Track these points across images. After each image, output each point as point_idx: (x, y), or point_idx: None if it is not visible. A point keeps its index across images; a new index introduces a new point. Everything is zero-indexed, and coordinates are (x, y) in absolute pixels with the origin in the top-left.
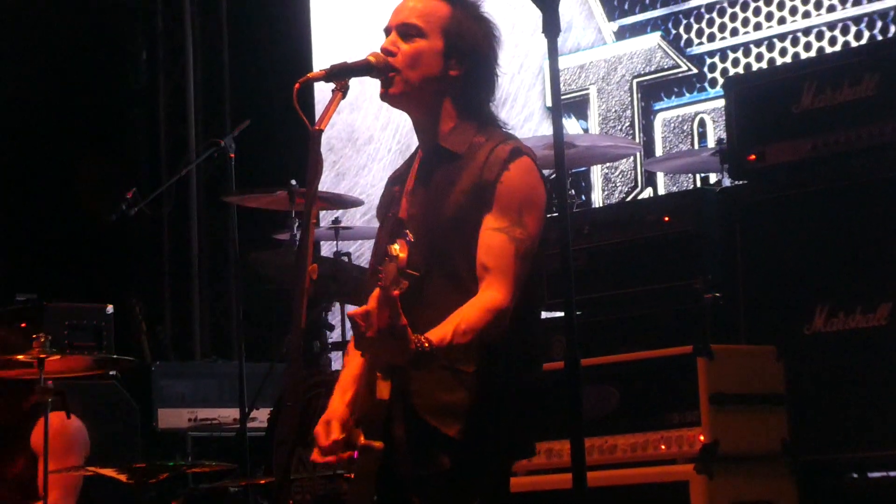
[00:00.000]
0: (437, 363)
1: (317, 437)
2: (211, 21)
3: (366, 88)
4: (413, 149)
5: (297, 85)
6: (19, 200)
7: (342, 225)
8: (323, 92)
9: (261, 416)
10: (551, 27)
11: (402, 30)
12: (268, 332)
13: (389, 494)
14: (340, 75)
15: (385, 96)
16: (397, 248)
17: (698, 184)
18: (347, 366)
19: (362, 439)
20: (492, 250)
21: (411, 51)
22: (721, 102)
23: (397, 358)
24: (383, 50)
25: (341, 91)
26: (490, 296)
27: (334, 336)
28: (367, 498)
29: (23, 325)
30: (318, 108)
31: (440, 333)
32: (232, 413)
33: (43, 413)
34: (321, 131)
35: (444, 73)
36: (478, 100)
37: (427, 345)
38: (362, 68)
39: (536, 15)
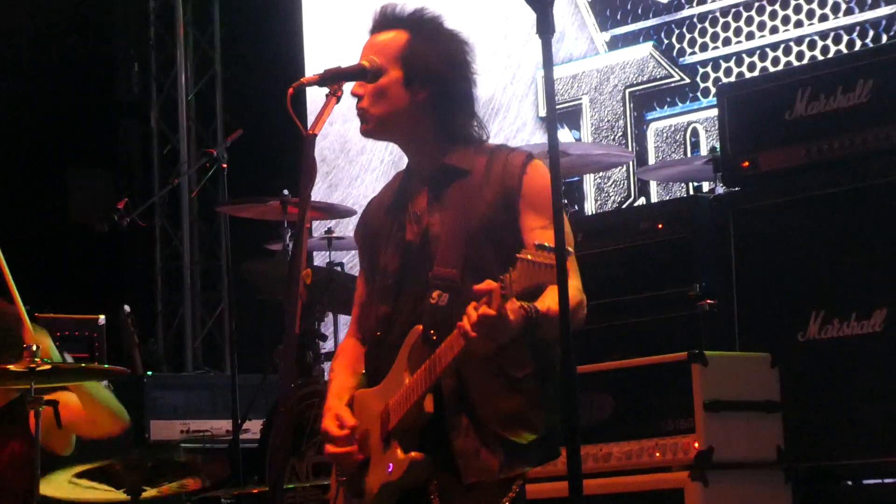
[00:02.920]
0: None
1: (328, 432)
2: (203, 31)
3: None
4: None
5: (290, 90)
6: (11, 211)
7: (335, 235)
8: (315, 103)
9: (253, 428)
10: (545, 27)
11: None
12: (260, 343)
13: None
14: (334, 79)
15: (365, 133)
16: (527, 255)
17: (691, 192)
18: (336, 379)
19: (400, 454)
20: None
21: (373, 88)
22: (714, 112)
23: (508, 328)
24: (352, 94)
25: (335, 96)
26: (571, 282)
27: (327, 346)
28: None
29: None
30: (311, 116)
31: (543, 305)
32: (224, 424)
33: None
34: (315, 136)
35: (412, 99)
36: (455, 115)
37: (535, 312)
38: (356, 72)
39: (528, 25)
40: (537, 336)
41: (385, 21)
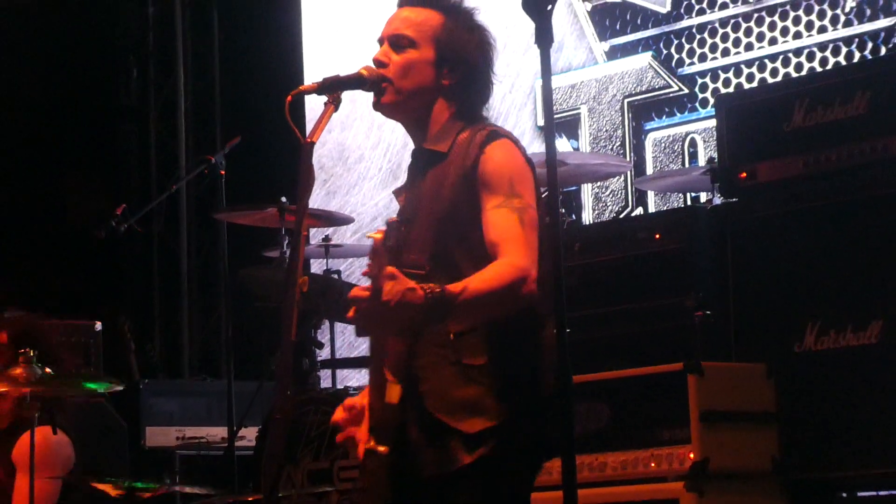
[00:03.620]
0: (453, 318)
1: (335, 422)
2: (202, 38)
3: (357, 107)
4: (405, 166)
5: (288, 97)
6: (8, 216)
7: (332, 242)
8: (314, 111)
9: (249, 435)
10: (544, 37)
11: (394, 40)
12: (257, 350)
13: (405, 499)
14: (332, 88)
15: (378, 105)
16: (376, 234)
17: (689, 203)
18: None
19: (371, 444)
20: (497, 226)
21: (402, 61)
22: (712, 122)
23: (409, 311)
24: (375, 61)
25: (333, 104)
26: (507, 259)
27: (323, 354)
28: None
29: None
30: (309, 124)
31: (458, 286)
32: (220, 431)
33: (26, 428)
34: (313, 144)
35: (437, 82)
36: (475, 105)
37: (438, 289)
38: (354, 81)
39: (527, 34)
40: (456, 318)
41: None
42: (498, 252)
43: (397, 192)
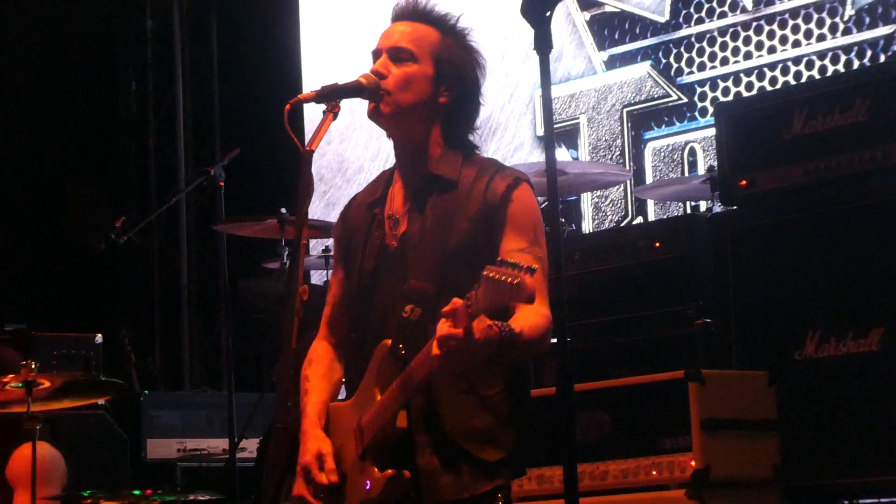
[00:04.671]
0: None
1: (309, 470)
2: (201, 51)
3: (356, 118)
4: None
5: (287, 106)
6: (8, 229)
7: (332, 254)
8: (312, 122)
9: (250, 447)
10: (543, 43)
11: (394, 53)
12: (257, 361)
13: None
14: (331, 96)
15: (374, 114)
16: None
17: (689, 211)
18: (313, 392)
19: (377, 472)
20: None
21: (402, 74)
22: (711, 131)
23: (489, 348)
24: (374, 72)
25: (332, 112)
26: (541, 309)
27: None
28: None
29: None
30: (308, 134)
31: (517, 325)
32: (221, 443)
33: (19, 443)
34: (312, 152)
35: (434, 98)
36: (463, 128)
37: (508, 328)
38: (353, 89)
39: (526, 44)
40: (512, 357)
41: (419, 13)
42: None
43: (371, 205)
